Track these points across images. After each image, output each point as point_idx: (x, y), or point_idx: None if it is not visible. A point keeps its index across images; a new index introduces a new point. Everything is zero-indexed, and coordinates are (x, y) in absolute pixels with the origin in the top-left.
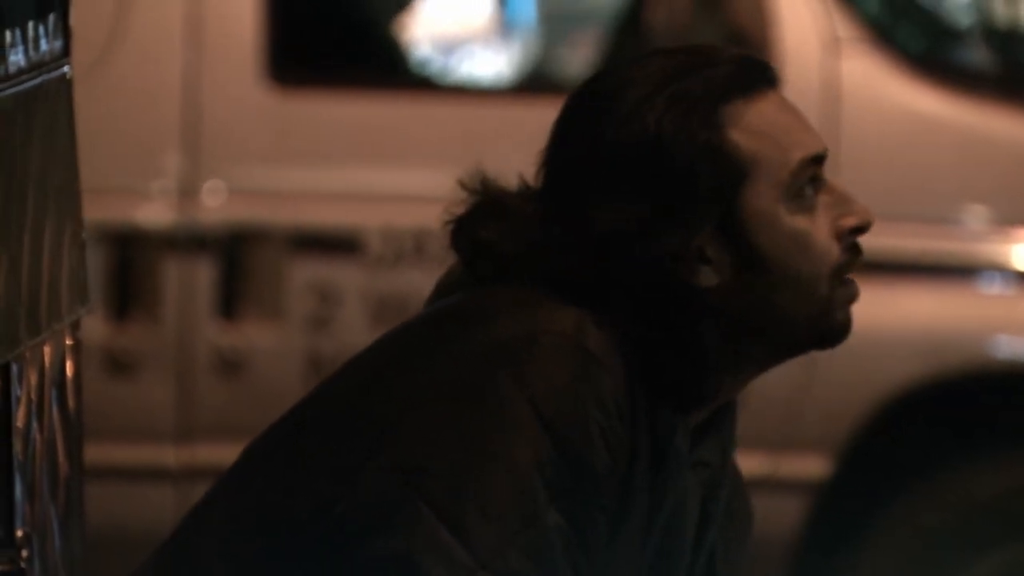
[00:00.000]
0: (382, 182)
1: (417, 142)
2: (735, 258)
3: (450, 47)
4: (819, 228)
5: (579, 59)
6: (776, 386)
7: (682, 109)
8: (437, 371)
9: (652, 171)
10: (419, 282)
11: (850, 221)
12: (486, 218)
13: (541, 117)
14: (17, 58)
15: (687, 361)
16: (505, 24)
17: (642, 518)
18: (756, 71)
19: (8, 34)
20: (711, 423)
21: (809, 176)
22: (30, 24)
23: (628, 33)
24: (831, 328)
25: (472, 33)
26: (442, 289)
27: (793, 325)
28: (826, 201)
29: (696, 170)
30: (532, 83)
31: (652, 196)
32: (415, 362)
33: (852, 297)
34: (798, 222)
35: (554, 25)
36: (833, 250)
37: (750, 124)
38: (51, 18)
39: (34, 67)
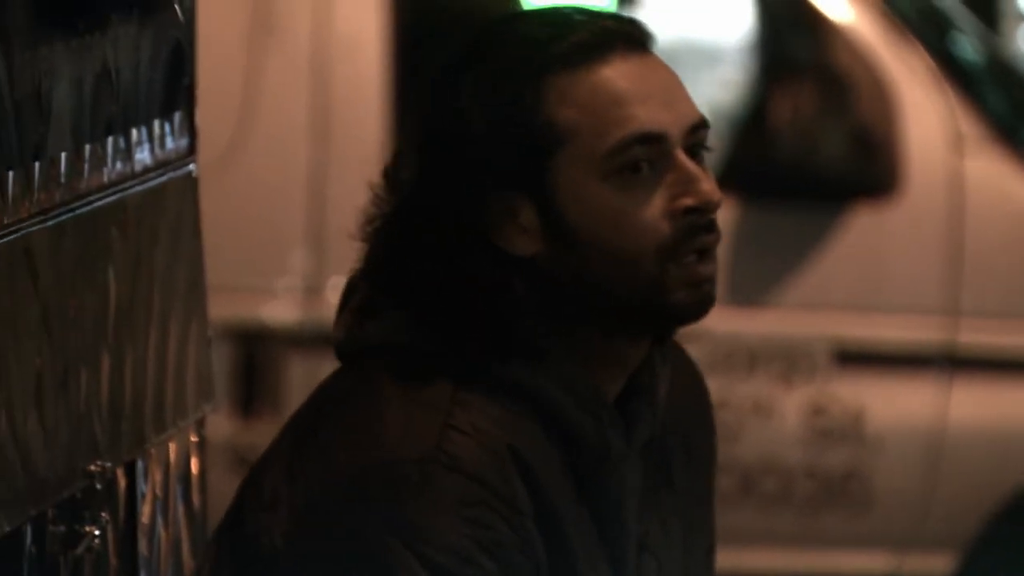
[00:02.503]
0: None
1: None
2: (548, 229)
3: None
4: (645, 207)
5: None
6: (902, 484)
7: (501, 78)
8: (311, 498)
9: (460, 142)
10: None
11: (686, 201)
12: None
13: None
14: (143, 156)
15: (511, 326)
16: None
17: (592, 547)
18: (608, 35)
19: (135, 132)
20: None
21: (639, 155)
22: (156, 122)
23: (753, 130)
24: (667, 308)
25: None
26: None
27: (619, 301)
28: (670, 180)
29: (497, 139)
30: None
31: (461, 166)
32: (297, 474)
33: (691, 278)
34: (616, 199)
35: None
36: (661, 229)
37: (572, 96)
38: (177, 116)
39: (160, 165)
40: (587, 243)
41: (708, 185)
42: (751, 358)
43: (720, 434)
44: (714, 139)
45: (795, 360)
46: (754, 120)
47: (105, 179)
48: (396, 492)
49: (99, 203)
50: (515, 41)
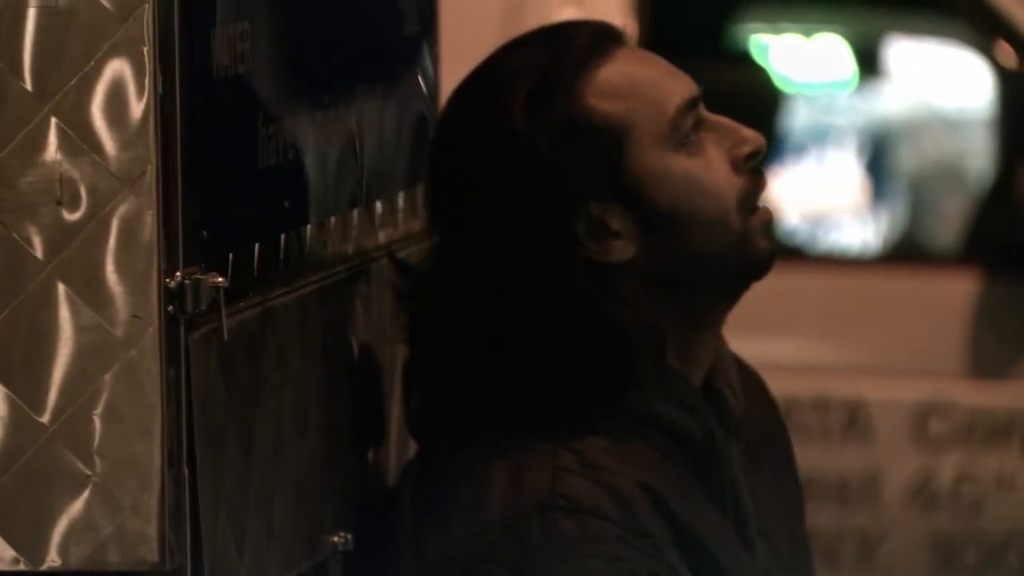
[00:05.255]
0: (751, 351)
1: (786, 312)
2: (641, 222)
3: (818, 218)
4: (714, 165)
5: (947, 230)
6: None
7: (537, 98)
8: (440, 570)
9: (521, 169)
10: None
11: (744, 149)
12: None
13: (908, 287)
14: (387, 229)
15: (643, 343)
16: (873, 196)
17: (735, 549)
18: (602, 35)
19: (378, 205)
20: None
21: (690, 121)
22: (400, 195)
23: (996, 204)
24: (756, 258)
25: (840, 205)
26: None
27: (719, 265)
28: (713, 138)
29: (567, 155)
30: (899, 253)
31: (531, 192)
32: (416, 543)
33: (767, 222)
34: (693, 166)
35: (921, 197)
36: (734, 182)
37: (610, 90)
38: (420, 189)
39: (404, 238)
40: (681, 220)
41: (749, 130)
42: (994, 432)
43: (964, 506)
44: (958, 212)
45: None
46: (998, 193)
47: (349, 251)
48: (523, 545)
49: (342, 275)
50: (531, 63)
